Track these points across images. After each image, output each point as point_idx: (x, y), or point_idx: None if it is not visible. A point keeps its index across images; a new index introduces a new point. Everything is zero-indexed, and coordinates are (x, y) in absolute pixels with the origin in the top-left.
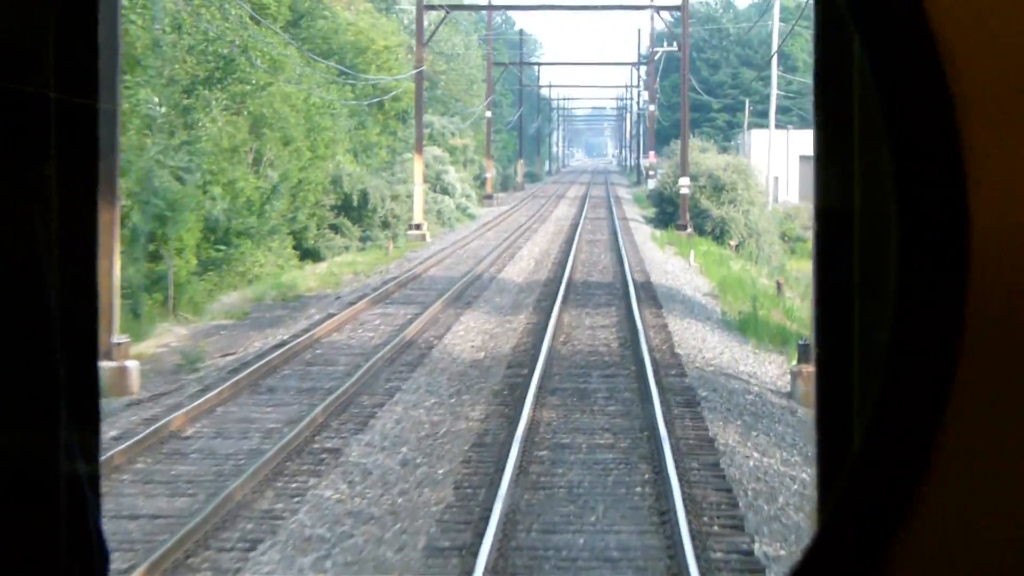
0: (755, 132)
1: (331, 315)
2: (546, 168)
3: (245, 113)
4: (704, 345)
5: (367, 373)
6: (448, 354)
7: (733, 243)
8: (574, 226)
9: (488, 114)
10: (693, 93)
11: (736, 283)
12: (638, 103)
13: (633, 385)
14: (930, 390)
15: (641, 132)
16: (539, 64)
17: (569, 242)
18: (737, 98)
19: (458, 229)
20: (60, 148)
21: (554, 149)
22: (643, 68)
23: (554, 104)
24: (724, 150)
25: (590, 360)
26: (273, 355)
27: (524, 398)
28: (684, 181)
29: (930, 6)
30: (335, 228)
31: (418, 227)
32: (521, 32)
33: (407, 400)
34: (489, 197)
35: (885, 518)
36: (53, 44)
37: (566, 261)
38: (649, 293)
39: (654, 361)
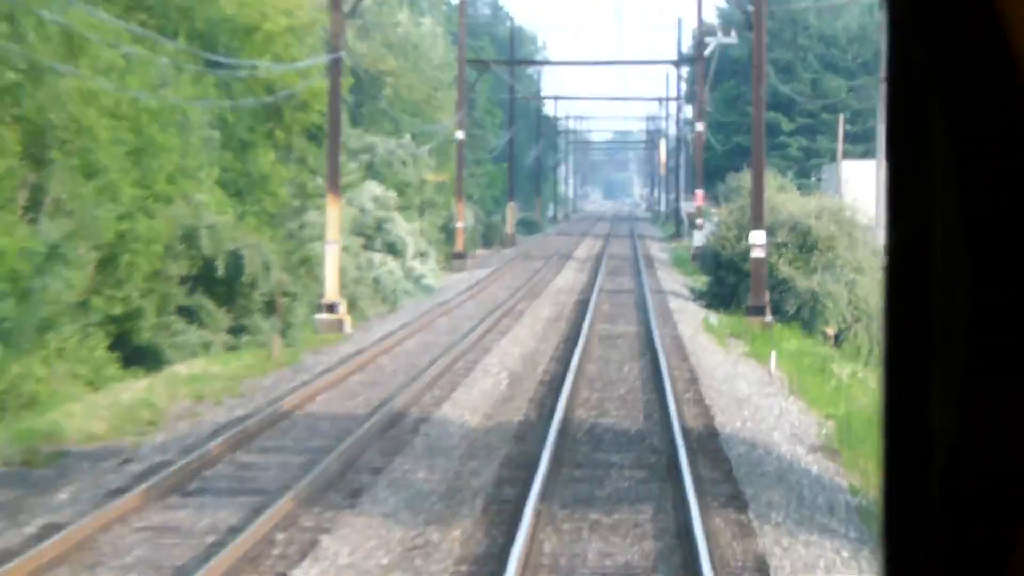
0: (847, 163)
1: (54, 527)
2: (550, 213)
3: (9, 119)
4: None
5: None
6: None
7: (831, 331)
8: (582, 306)
9: (459, 134)
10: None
11: (864, 423)
12: (677, 121)
13: None
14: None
15: (682, 163)
16: (537, 63)
17: (572, 337)
18: (818, 116)
19: (404, 311)
20: None
21: (561, 188)
22: (685, 70)
23: (561, 126)
24: (800, 188)
25: None
26: None
27: None
28: (758, 237)
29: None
30: (189, 313)
31: (332, 309)
32: (512, 23)
33: None
34: (460, 257)
35: None
36: None
37: (563, 379)
38: (712, 453)
39: None
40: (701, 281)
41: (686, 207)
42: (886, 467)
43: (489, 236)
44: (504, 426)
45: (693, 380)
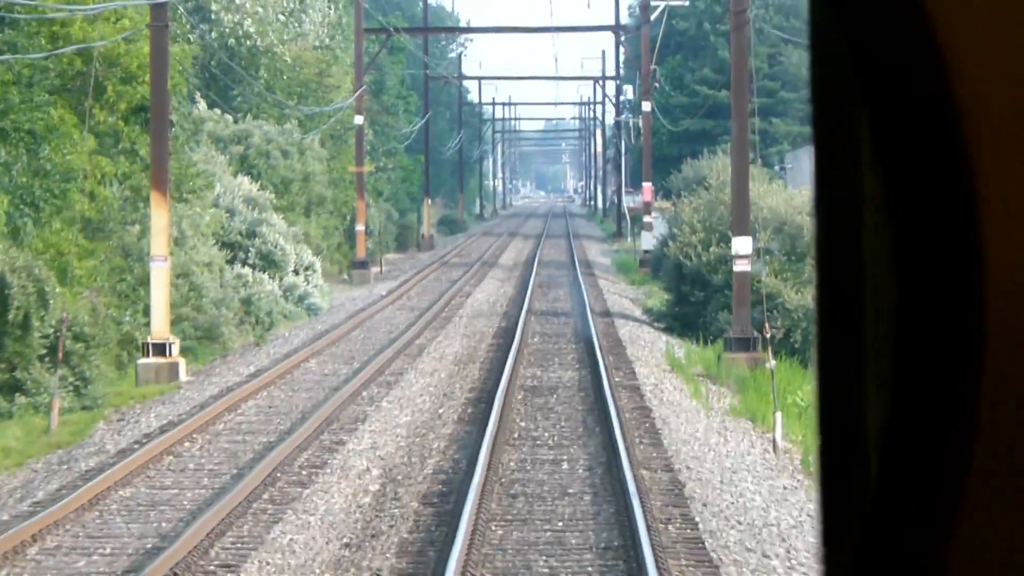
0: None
1: None
2: (476, 210)
3: None
4: None
5: None
6: None
7: None
8: (503, 339)
9: (358, 119)
10: (707, 87)
11: None
12: (617, 104)
13: None
14: (948, 436)
15: (623, 152)
16: (453, 31)
17: (485, 395)
18: (776, 95)
19: (275, 342)
20: None
21: (489, 182)
22: (623, 45)
23: (486, 113)
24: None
25: None
26: None
27: None
28: (743, 245)
29: (931, 6)
30: None
31: (162, 351)
32: None
33: None
34: (361, 266)
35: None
36: None
37: (465, 496)
38: None
39: None
40: (656, 297)
41: (630, 202)
42: (822, 459)
43: (404, 238)
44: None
45: (675, 488)
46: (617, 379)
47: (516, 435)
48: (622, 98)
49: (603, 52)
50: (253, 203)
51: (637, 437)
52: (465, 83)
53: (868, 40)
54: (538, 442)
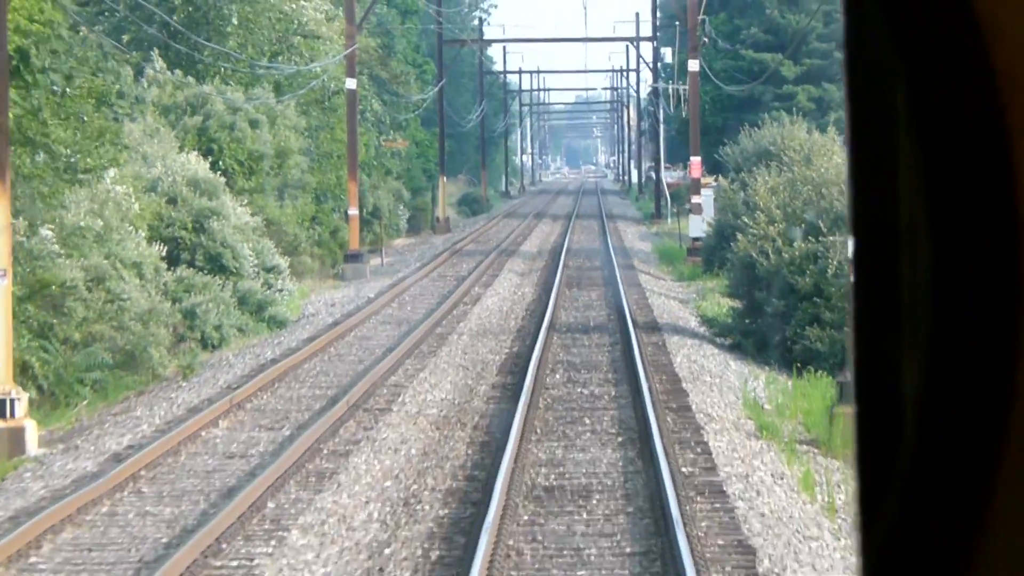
0: None
1: None
2: (502, 187)
3: None
4: None
5: None
6: None
7: None
8: (513, 374)
9: (350, 82)
10: (754, 50)
11: None
12: (654, 68)
13: None
14: (983, 420)
15: (659, 122)
16: None
17: (485, 464)
18: (832, 56)
19: (214, 367)
20: None
21: (515, 158)
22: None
23: (512, 84)
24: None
25: None
26: None
27: None
28: None
29: None
30: None
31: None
32: None
33: None
34: (355, 258)
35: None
36: None
37: None
38: None
39: None
40: (713, 300)
41: (667, 178)
42: (858, 432)
43: (417, 221)
44: None
45: None
46: (685, 467)
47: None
48: (659, 62)
49: (637, 14)
50: (202, 187)
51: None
52: (489, 53)
53: (902, 5)
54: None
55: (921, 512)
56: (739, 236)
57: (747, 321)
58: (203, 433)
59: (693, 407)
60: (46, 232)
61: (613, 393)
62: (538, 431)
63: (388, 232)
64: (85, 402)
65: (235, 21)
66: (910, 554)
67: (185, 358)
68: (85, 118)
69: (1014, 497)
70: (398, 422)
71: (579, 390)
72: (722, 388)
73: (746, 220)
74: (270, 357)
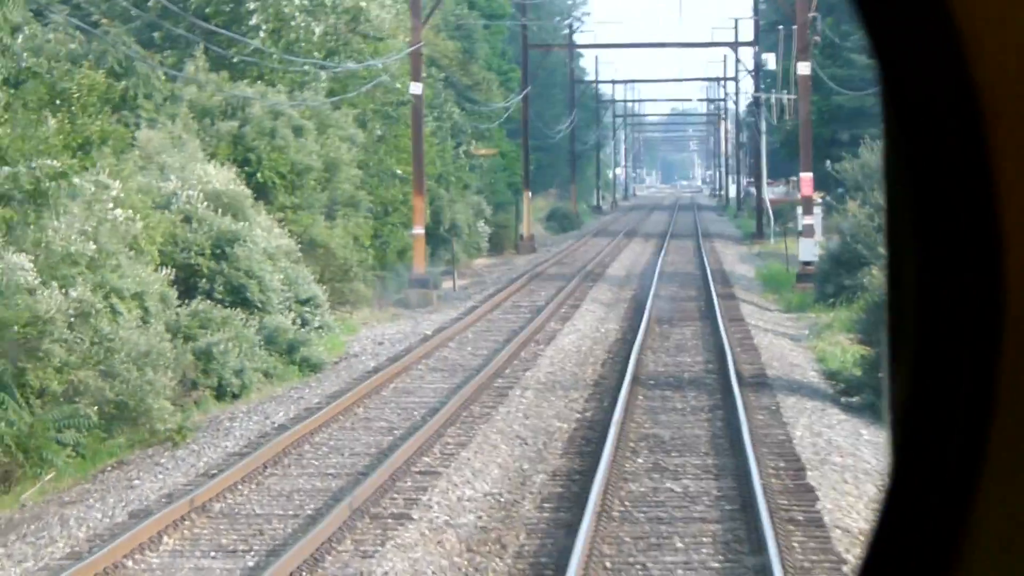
0: None
1: None
2: (593, 202)
3: None
4: None
5: None
6: None
7: None
8: (590, 437)
9: (415, 87)
10: (867, 56)
11: None
12: (756, 75)
13: None
14: (966, 415)
15: (761, 133)
16: None
17: None
18: None
19: (215, 426)
20: None
21: (608, 172)
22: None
23: (604, 95)
24: None
25: None
26: None
27: None
28: None
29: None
30: None
31: None
32: None
33: None
34: (421, 284)
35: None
36: None
37: None
38: None
39: None
40: (831, 340)
41: (769, 194)
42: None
43: (500, 239)
44: None
45: None
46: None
47: None
48: (761, 69)
49: (736, 21)
50: (224, 202)
51: None
52: (581, 64)
53: (882, 14)
54: None
55: (907, 512)
56: (873, 269)
57: (881, 375)
58: (129, 562)
59: (827, 519)
60: (17, 259)
61: (715, 493)
62: (608, 564)
63: (468, 251)
64: (50, 476)
65: (297, 15)
66: (897, 553)
67: (187, 414)
68: (52, 122)
69: (997, 498)
70: (414, 541)
71: (668, 484)
72: (856, 474)
73: (884, 250)
74: (280, 421)
